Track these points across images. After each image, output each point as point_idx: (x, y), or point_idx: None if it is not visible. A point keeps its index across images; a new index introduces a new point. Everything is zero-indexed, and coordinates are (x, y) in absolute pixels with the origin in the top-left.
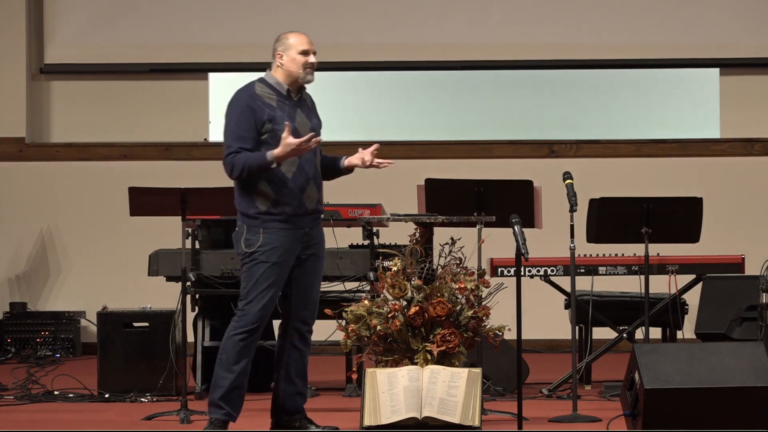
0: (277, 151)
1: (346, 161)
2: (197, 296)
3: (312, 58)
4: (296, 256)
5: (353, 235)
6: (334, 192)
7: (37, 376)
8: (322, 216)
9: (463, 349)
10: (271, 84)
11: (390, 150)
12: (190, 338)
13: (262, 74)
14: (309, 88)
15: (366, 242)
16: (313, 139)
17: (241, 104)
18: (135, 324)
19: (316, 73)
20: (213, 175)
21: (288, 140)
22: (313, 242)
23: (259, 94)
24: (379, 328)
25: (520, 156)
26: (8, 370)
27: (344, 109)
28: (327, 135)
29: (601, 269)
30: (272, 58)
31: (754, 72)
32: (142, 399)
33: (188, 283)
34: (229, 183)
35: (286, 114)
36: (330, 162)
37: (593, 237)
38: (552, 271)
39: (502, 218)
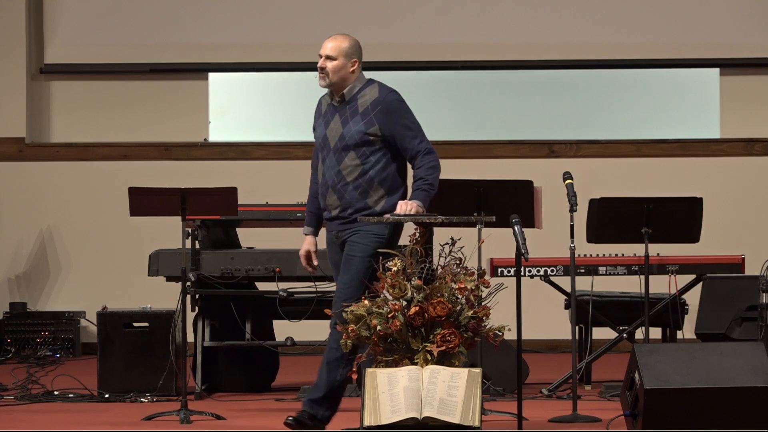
0: None
1: None
2: (197, 296)
3: (320, 62)
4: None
5: None
6: None
7: (37, 376)
8: (356, 221)
9: (463, 349)
10: None
11: None
12: (190, 338)
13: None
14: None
15: None
16: None
17: None
18: (135, 324)
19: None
20: (213, 175)
21: None
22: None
23: None
24: (379, 328)
25: (520, 156)
26: (8, 370)
27: None
28: None
29: (601, 269)
30: None
31: (754, 72)
32: (142, 399)
33: (188, 283)
34: (228, 183)
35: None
36: None
37: (593, 237)
38: (552, 271)
39: (502, 218)
